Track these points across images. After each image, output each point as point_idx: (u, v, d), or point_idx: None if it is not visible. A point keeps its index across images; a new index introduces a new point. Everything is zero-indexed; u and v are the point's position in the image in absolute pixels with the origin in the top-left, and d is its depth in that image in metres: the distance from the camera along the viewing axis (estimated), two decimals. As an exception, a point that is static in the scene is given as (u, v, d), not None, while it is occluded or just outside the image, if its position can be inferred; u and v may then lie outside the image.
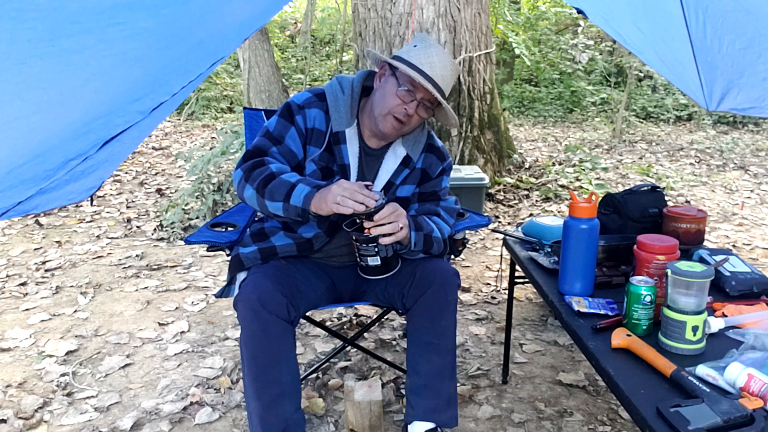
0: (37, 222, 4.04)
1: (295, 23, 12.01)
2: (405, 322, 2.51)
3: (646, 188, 2.00)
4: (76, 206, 4.36)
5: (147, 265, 3.29)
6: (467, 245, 2.54)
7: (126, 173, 5.46)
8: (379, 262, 1.51)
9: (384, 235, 1.46)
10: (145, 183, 5.19)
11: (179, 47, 1.49)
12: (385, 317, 2.59)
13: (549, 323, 2.61)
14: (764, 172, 5.78)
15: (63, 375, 2.16)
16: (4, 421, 1.88)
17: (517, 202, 4.53)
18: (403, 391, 2.03)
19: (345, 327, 2.58)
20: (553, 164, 5.57)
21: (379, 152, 1.69)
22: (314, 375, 2.16)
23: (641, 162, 6.15)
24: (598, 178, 5.19)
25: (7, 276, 3.13)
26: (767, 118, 7.71)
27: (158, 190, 4.93)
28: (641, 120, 8.70)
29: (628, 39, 2.00)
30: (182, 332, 2.52)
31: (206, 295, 2.92)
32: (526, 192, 4.72)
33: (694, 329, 1.23)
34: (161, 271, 3.23)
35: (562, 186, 4.86)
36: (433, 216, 1.71)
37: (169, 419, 1.91)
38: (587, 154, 5.97)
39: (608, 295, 1.55)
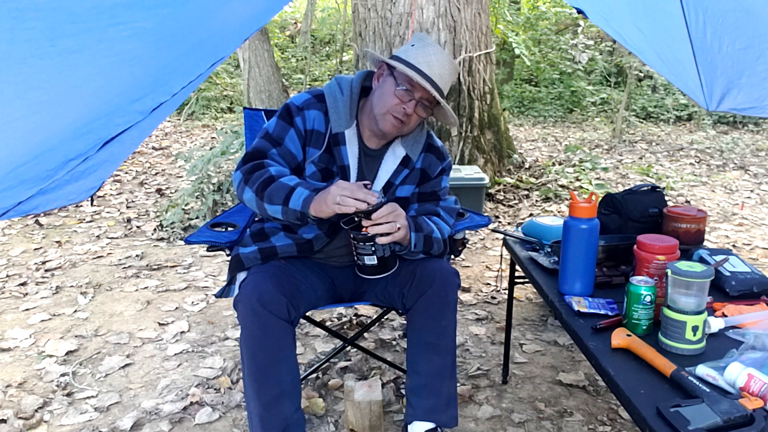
0: (37, 222, 4.05)
1: (295, 23, 12.01)
2: (405, 322, 2.51)
3: (646, 188, 2.00)
4: (76, 206, 4.36)
5: (147, 265, 3.29)
6: (467, 245, 2.54)
7: (126, 173, 5.46)
8: (376, 262, 1.51)
9: (381, 235, 1.46)
10: (145, 183, 5.19)
11: (179, 47, 1.49)
12: (385, 317, 2.59)
13: (549, 323, 2.61)
14: (764, 172, 5.78)
15: (63, 375, 2.16)
16: (4, 421, 1.89)
17: (517, 202, 4.54)
18: (403, 391, 2.03)
19: (345, 327, 2.58)
20: (553, 164, 5.57)
21: (378, 153, 1.69)
22: (314, 375, 2.16)
23: (641, 162, 6.15)
24: (598, 178, 5.19)
25: (7, 276, 3.13)
26: (767, 118, 7.71)
27: (158, 190, 4.93)
28: (641, 120, 8.70)
29: (628, 39, 1.99)
30: (182, 332, 2.52)
31: (206, 295, 2.92)
32: (526, 192, 4.72)
33: (694, 329, 1.23)
34: (161, 271, 3.23)
35: (562, 186, 4.86)
36: (433, 216, 1.71)
37: (169, 419, 1.91)
38: (587, 154, 5.97)
39: (608, 295, 1.55)
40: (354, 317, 2.67)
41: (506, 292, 2.42)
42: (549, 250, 1.83)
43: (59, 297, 2.88)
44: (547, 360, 2.30)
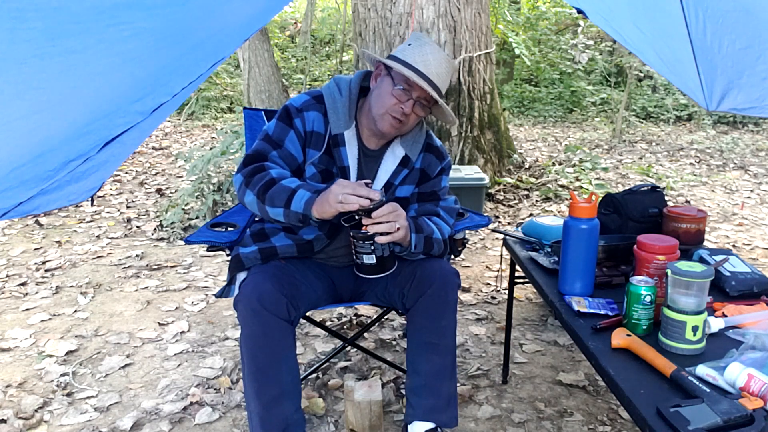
0: (37, 222, 4.05)
1: (295, 23, 12.01)
2: (405, 322, 2.51)
3: (646, 188, 2.00)
4: (77, 206, 4.36)
5: (147, 265, 3.29)
6: (467, 245, 2.54)
7: (126, 173, 5.46)
8: (374, 261, 1.51)
9: (381, 234, 1.46)
10: (145, 183, 5.19)
11: (179, 47, 1.49)
12: (385, 317, 2.59)
13: (549, 323, 2.61)
14: (764, 172, 5.78)
15: (63, 375, 2.16)
16: (4, 421, 1.89)
17: (517, 202, 4.54)
18: (403, 391, 2.03)
19: (345, 327, 2.58)
20: (553, 164, 5.57)
21: (377, 153, 1.69)
22: (314, 375, 2.16)
23: (641, 162, 6.15)
24: (598, 178, 5.19)
25: (7, 276, 3.13)
26: (767, 118, 7.71)
27: (158, 190, 4.93)
28: (641, 120, 8.70)
29: (628, 39, 1.99)
30: (182, 332, 2.52)
31: (206, 295, 2.92)
32: (526, 192, 4.72)
33: (694, 329, 1.23)
34: (161, 271, 3.23)
35: (562, 186, 4.86)
36: (433, 217, 1.71)
37: (169, 419, 1.91)
38: (587, 154, 5.97)
39: (608, 295, 1.55)
40: (354, 317, 2.67)
41: (506, 292, 2.42)
42: (549, 250, 1.83)
43: (59, 297, 2.88)
44: (547, 360, 2.30)
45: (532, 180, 4.97)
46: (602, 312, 1.44)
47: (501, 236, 3.70)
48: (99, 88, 1.37)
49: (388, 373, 2.17)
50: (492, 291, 2.97)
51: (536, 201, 4.56)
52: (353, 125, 1.65)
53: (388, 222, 1.45)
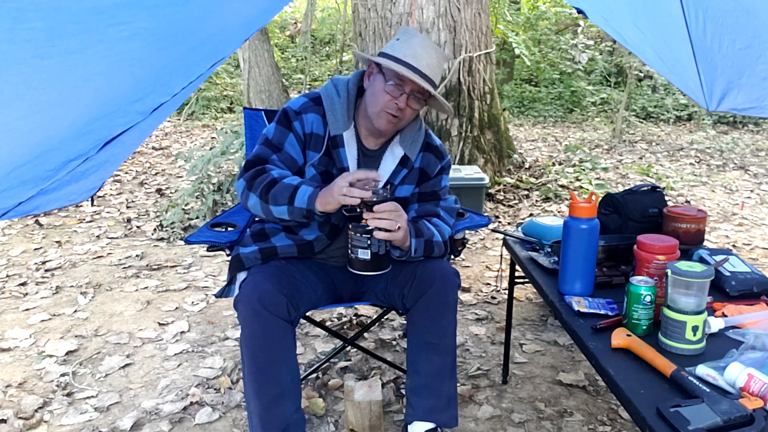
0: (37, 222, 4.04)
1: (295, 23, 12.01)
2: (405, 322, 2.51)
3: (646, 188, 2.00)
4: (76, 206, 4.36)
5: (147, 265, 3.29)
6: (467, 245, 2.54)
7: (126, 173, 5.46)
8: (369, 257, 1.49)
9: (380, 230, 1.46)
10: (145, 183, 5.19)
11: (179, 48, 1.49)
12: (385, 317, 2.59)
13: (549, 323, 2.61)
14: (764, 172, 5.78)
15: (63, 375, 2.16)
16: (4, 421, 1.89)
17: (517, 202, 4.54)
18: (403, 391, 2.03)
19: (345, 327, 2.58)
20: (553, 164, 5.57)
21: (377, 153, 1.69)
22: (314, 375, 2.16)
23: (641, 162, 6.15)
24: (598, 178, 5.19)
25: (7, 276, 3.13)
26: (767, 118, 7.71)
27: (158, 190, 4.93)
28: (641, 120, 8.70)
29: (628, 39, 1.99)
30: (182, 332, 2.52)
31: (206, 295, 2.92)
32: (526, 192, 4.72)
33: (694, 329, 1.23)
34: (161, 271, 3.23)
35: (562, 186, 4.86)
36: (433, 218, 1.71)
37: (169, 419, 1.91)
38: (587, 154, 5.97)
39: (608, 295, 1.55)
40: (354, 317, 2.67)
41: (506, 292, 2.42)
42: (549, 250, 1.83)
43: (59, 297, 2.88)
44: (547, 360, 2.30)
45: (532, 180, 4.97)
46: (602, 312, 1.44)
47: (501, 236, 3.70)
48: (99, 88, 1.37)
49: (388, 373, 2.17)
50: (492, 291, 2.97)
51: (536, 201, 4.56)
52: (352, 126, 1.65)
53: (389, 219, 1.45)
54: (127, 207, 4.50)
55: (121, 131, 1.62)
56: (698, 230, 1.81)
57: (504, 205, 4.47)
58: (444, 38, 4.40)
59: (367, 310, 2.74)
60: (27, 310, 2.73)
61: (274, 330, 1.50)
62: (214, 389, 2.08)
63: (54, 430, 1.87)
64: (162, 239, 3.75)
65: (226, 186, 3.97)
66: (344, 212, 1.50)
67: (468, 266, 3.32)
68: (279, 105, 6.61)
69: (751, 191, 5.10)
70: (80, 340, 2.44)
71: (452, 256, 1.93)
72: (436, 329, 1.60)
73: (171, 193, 4.87)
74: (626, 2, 1.89)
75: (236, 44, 1.99)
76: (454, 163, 4.45)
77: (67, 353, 2.32)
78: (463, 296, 2.89)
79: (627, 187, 2.90)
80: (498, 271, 3.18)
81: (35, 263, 3.31)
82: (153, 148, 6.59)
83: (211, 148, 4.66)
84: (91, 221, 4.14)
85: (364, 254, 1.49)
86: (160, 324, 2.60)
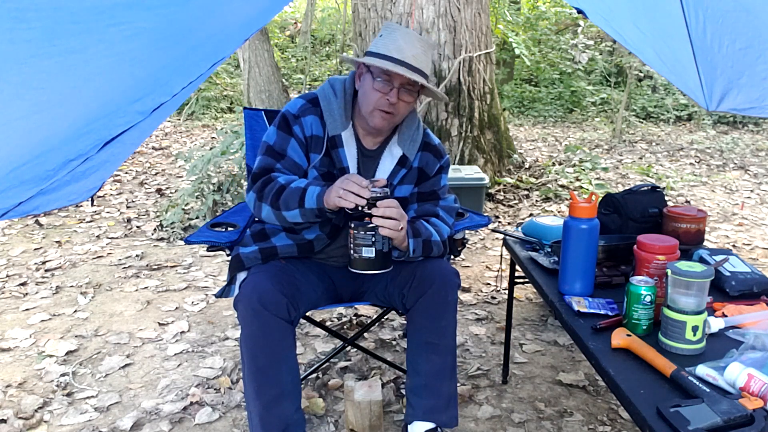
0: (37, 222, 4.04)
1: (295, 23, 12.01)
2: (405, 322, 2.51)
3: (646, 188, 2.00)
4: (76, 206, 4.36)
5: (147, 265, 3.29)
6: (467, 245, 2.54)
7: (126, 173, 5.46)
8: (373, 255, 1.49)
9: (384, 227, 1.46)
10: (145, 183, 5.19)
11: (179, 47, 1.49)
12: (385, 317, 2.59)
13: (549, 323, 2.61)
14: (764, 172, 5.78)
15: (63, 375, 2.16)
16: (4, 421, 1.89)
17: (517, 202, 4.54)
18: (403, 391, 2.03)
19: (345, 327, 2.58)
20: (553, 164, 5.57)
21: (375, 153, 1.70)
22: (314, 375, 2.16)
23: (641, 162, 6.15)
24: (598, 178, 5.19)
25: (7, 276, 3.13)
26: (767, 118, 7.71)
27: (158, 190, 4.93)
28: (641, 120, 8.70)
29: (628, 39, 1.99)
30: (182, 332, 2.52)
31: (206, 295, 2.92)
32: (526, 192, 4.72)
33: (694, 329, 1.23)
34: (161, 271, 3.23)
35: (562, 186, 4.86)
36: (432, 218, 1.71)
37: (169, 419, 1.91)
38: (587, 154, 5.97)
39: (608, 295, 1.55)
40: (354, 317, 2.67)
41: (506, 292, 2.42)
42: (549, 250, 1.83)
43: (59, 297, 2.88)
44: (547, 360, 2.30)
45: (532, 180, 4.97)
46: (602, 312, 1.44)
47: (501, 236, 3.70)
48: (99, 88, 1.37)
49: (388, 373, 2.17)
50: (492, 291, 2.97)
51: (536, 201, 4.56)
52: (350, 125, 1.66)
53: (392, 218, 1.45)
54: (127, 207, 4.50)
55: (121, 131, 1.62)
56: (698, 230, 1.81)
57: (504, 205, 4.47)
58: (444, 38, 4.40)
59: (367, 310, 2.74)
60: (27, 310, 2.73)
61: (274, 330, 1.50)
62: (214, 389, 2.08)
63: (54, 430, 1.87)
64: (162, 239, 3.75)
65: (226, 186, 3.97)
66: (347, 210, 1.50)
67: (468, 266, 3.32)
68: (279, 105, 6.61)
69: (751, 191, 5.10)
70: (80, 340, 2.44)
71: (452, 256, 1.93)
72: (436, 329, 1.60)
73: (171, 193, 4.87)
74: (626, 2, 1.89)
75: (236, 44, 1.99)
76: (454, 163, 4.45)
77: (67, 353, 2.32)
78: (463, 296, 2.89)
79: (627, 187, 2.90)
80: (498, 271, 3.18)
81: (35, 263, 3.31)
82: (153, 148, 6.59)
83: (211, 148, 4.66)
84: (91, 221, 4.14)
85: (369, 252, 1.49)
86: (160, 324, 2.60)
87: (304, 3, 12.02)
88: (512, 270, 2.05)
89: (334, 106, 1.63)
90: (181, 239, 3.72)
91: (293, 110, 1.65)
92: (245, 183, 2.71)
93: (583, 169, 5.30)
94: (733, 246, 3.66)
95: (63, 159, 1.60)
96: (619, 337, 1.28)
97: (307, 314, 1.77)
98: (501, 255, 2.79)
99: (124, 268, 3.26)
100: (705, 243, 1.87)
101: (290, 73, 10.14)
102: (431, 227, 1.66)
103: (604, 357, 1.24)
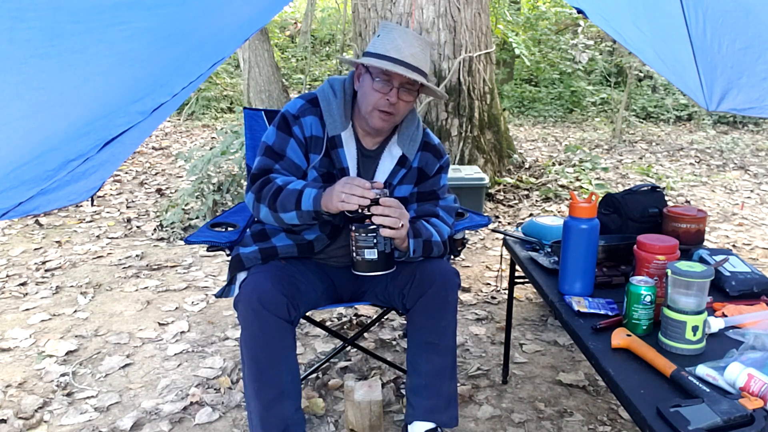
0: (37, 222, 4.04)
1: (295, 23, 12.01)
2: (405, 322, 2.51)
3: (646, 188, 2.00)
4: (77, 206, 4.36)
5: (147, 265, 3.29)
6: (467, 245, 2.54)
7: (126, 173, 5.46)
8: (376, 256, 1.48)
9: (385, 227, 1.45)
10: (145, 183, 5.19)
11: (180, 48, 1.49)
12: (385, 317, 2.59)
13: (549, 323, 2.61)
14: (764, 172, 5.78)
15: (63, 375, 2.16)
16: (4, 421, 1.89)
17: (517, 202, 4.54)
18: (403, 391, 2.03)
19: (345, 327, 2.58)
20: (553, 164, 5.57)
21: (375, 153, 1.69)
22: (314, 375, 2.16)
23: (641, 162, 6.15)
24: (598, 178, 5.19)
25: (7, 276, 3.13)
26: (767, 118, 7.71)
27: (158, 190, 4.93)
28: (641, 120, 8.70)
29: (628, 39, 2.00)
30: (182, 332, 2.52)
31: (206, 295, 2.92)
32: (526, 192, 4.72)
33: (694, 329, 1.23)
34: (161, 271, 3.23)
35: (562, 186, 4.86)
36: (432, 218, 1.71)
37: (169, 419, 1.91)
38: (587, 154, 5.97)
39: (608, 295, 1.55)
40: (354, 317, 2.67)
41: (506, 292, 2.42)
42: (549, 250, 1.83)
43: (59, 297, 2.88)
44: (547, 360, 2.30)
45: (532, 180, 4.97)
46: (602, 312, 1.44)
47: (501, 236, 3.70)
48: (99, 88, 1.37)
49: (388, 373, 2.17)
50: (492, 291, 2.97)
51: (536, 201, 4.56)
52: (350, 126, 1.65)
53: (393, 217, 1.45)
54: (127, 207, 4.50)
55: (121, 131, 1.62)
56: (698, 230, 1.81)
57: (504, 205, 4.47)
58: (444, 38, 4.40)
59: (367, 310, 2.74)
60: (27, 310, 2.73)
61: (274, 330, 1.50)
62: (214, 389, 2.08)
63: (54, 430, 1.87)
64: (162, 239, 3.75)
65: (226, 186, 3.97)
66: (348, 213, 1.50)
67: (468, 266, 3.32)
68: (279, 105, 6.61)
69: (751, 191, 5.10)
70: (80, 340, 2.44)
71: (452, 256, 1.93)
72: (436, 329, 1.60)
73: (171, 193, 4.87)
74: (626, 2, 1.89)
75: (236, 44, 1.99)
76: (454, 163, 4.45)
77: (67, 353, 2.32)
78: (463, 296, 2.89)
79: (627, 187, 2.90)
80: (498, 271, 3.18)
81: (35, 263, 3.31)
82: (153, 148, 6.59)
83: (211, 148, 4.66)
84: (91, 221, 4.14)
85: (371, 254, 1.48)
86: (160, 324, 2.60)
87: (304, 3, 12.02)
88: (512, 270, 2.05)
89: (333, 106, 1.63)
90: (181, 239, 3.72)
91: (293, 110, 1.64)
92: (245, 183, 2.72)
93: (583, 169, 5.30)
94: (733, 246, 3.66)
95: (63, 159, 1.60)
96: (619, 337, 1.28)
97: (307, 314, 1.77)
98: (501, 255, 2.79)
99: (124, 268, 3.26)
100: (705, 243, 1.87)
101: (290, 73, 10.14)
102: (431, 227, 1.66)
103: (604, 357, 1.24)
